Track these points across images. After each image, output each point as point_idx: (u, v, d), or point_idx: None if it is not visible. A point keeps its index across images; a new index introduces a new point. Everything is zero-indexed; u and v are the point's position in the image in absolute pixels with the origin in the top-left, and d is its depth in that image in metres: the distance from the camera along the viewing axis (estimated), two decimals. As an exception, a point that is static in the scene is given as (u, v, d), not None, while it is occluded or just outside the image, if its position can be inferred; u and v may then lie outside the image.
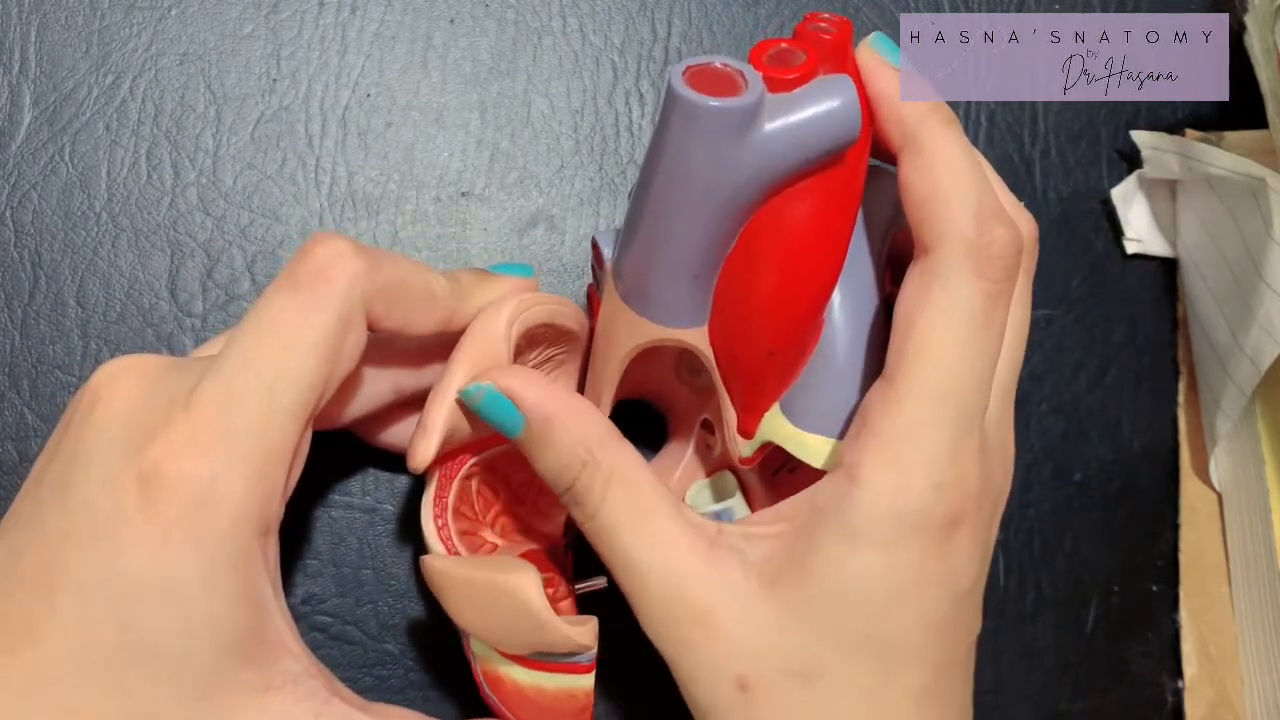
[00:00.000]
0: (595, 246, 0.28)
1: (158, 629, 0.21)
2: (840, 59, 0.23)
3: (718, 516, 0.30)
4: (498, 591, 0.24)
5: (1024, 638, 0.35)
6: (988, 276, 0.22)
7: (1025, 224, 0.24)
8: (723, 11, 0.36)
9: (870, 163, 0.25)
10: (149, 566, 0.21)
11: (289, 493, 0.23)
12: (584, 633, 0.25)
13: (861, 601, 0.22)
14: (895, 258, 0.29)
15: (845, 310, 0.25)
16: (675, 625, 0.23)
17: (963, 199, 0.22)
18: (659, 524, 0.23)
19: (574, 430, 0.24)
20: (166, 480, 0.21)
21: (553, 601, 0.28)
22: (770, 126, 0.22)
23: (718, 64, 0.22)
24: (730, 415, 0.27)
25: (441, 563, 0.25)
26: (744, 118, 0.21)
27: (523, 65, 0.35)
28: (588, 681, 0.26)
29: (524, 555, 0.28)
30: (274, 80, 0.34)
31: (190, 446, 0.21)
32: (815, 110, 0.22)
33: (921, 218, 0.22)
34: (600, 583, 0.30)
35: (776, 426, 0.26)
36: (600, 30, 0.35)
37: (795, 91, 0.22)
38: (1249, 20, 0.33)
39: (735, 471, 0.29)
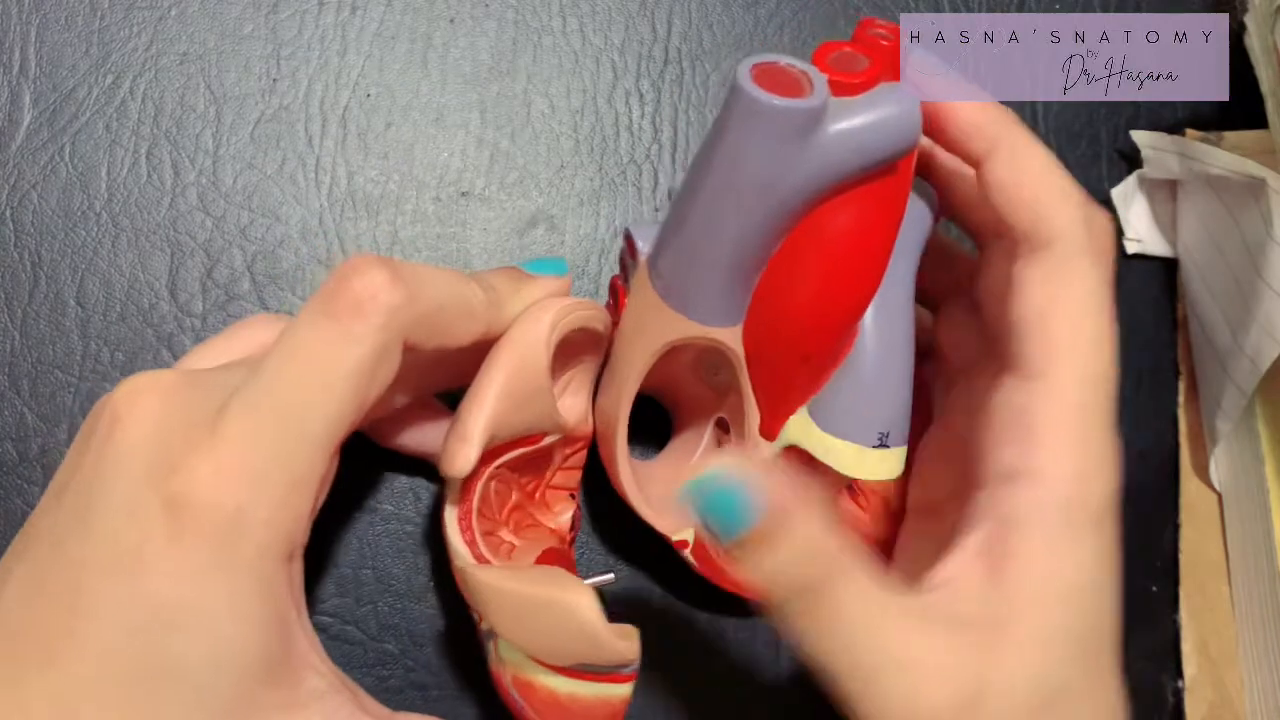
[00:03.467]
0: (629, 239, 0.27)
1: (183, 655, 0.20)
2: (895, 66, 0.23)
3: None
4: (554, 608, 0.24)
5: (1024, 638, 0.35)
6: (1104, 262, 0.23)
7: None
8: (723, 11, 0.36)
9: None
10: (175, 593, 0.20)
11: (314, 517, 0.23)
12: (632, 647, 0.25)
13: (1073, 602, 0.22)
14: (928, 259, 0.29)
15: (878, 319, 0.25)
16: (921, 711, 0.21)
17: (1067, 194, 0.23)
18: (894, 616, 0.22)
19: (810, 525, 0.22)
20: (193, 509, 0.21)
21: None
22: (833, 129, 0.22)
23: (784, 64, 0.22)
24: (754, 417, 0.27)
25: (488, 575, 0.25)
26: (809, 119, 0.21)
27: (523, 65, 0.35)
28: (626, 690, 0.26)
29: (545, 553, 0.28)
30: (274, 80, 0.34)
31: (216, 476, 0.21)
32: (878, 116, 0.22)
33: (1029, 214, 0.23)
34: (609, 578, 0.30)
35: (803, 431, 0.26)
36: (600, 30, 0.35)
37: (859, 96, 0.22)
38: (1249, 20, 0.33)
39: None
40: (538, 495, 0.30)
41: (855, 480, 0.31)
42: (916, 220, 0.26)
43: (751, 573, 0.22)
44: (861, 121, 0.22)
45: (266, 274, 0.32)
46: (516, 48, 0.35)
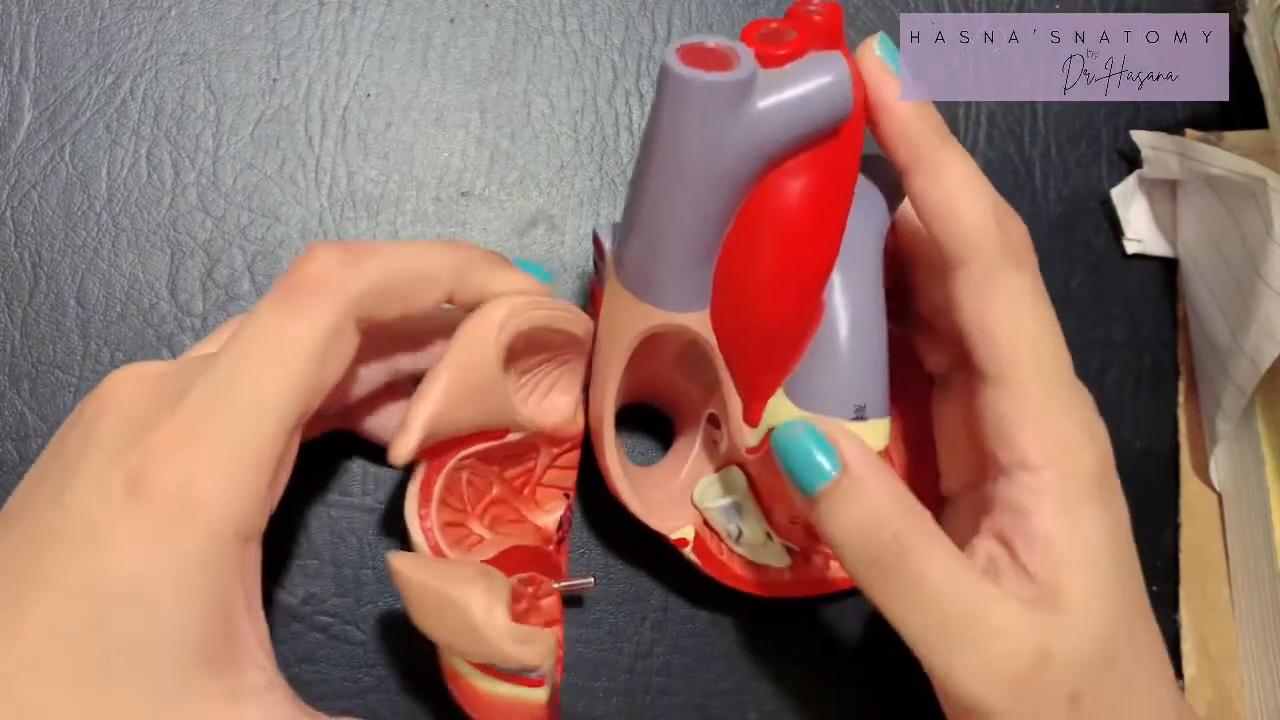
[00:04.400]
0: (596, 239, 0.28)
1: (129, 631, 0.21)
2: (830, 41, 0.23)
3: (725, 512, 0.30)
4: (451, 604, 0.24)
5: (1024, 638, 0.35)
6: (1024, 262, 0.25)
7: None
8: (723, 11, 0.36)
9: (867, 151, 0.25)
10: (127, 567, 0.21)
11: (274, 502, 0.24)
12: (530, 653, 0.25)
13: (1104, 560, 0.24)
14: (892, 253, 0.29)
15: (846, 293, 0.25)
16: (1017, 677, 0.23)
17: (983, 209, 0.24)
18: (975, 579, 0.23)
19: (893, 484, 0.24)
20: (148, 483, 0.21)
21: (533, 599, 0.29)
22: (763, 102, 0.22)
23: (710, 43, 0.22)
24: (735, 404, 0.27)
25: (401, 562, 0.25)
26: (737, 92, 0.22)
27: (523, 65, 0.35)
28: (540, 695, 0.26)
29: (510, 550, 0.28)
30: (274, 80, 0.34)
31: (173, 450, 0.21)
32: (808, 85, 0.22)
33: (950, 232, 0.24)
34: (588, 583, 0.30)
35: (781, 410, 0.26)
36: (600, 30, 0.35)
37: (787, 66, 0.22)
38: (1249, 20, 0.33)
39: (742, 466, 0.29)
40: (526, 491, 0.30)
41: None
42: (876, 197, 0.26)
43: (832, 526, 0.24)
44: (790, 89, 0.22)
45: (266, 274, 0.32)
46: (516, 48, 0.35)
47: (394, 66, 0.34)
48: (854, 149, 0.24)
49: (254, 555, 0.23)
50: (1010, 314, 0.24)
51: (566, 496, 0.31)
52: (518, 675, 0.25)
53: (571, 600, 0.32)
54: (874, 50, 0.24)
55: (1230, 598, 0.35)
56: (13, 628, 0.21)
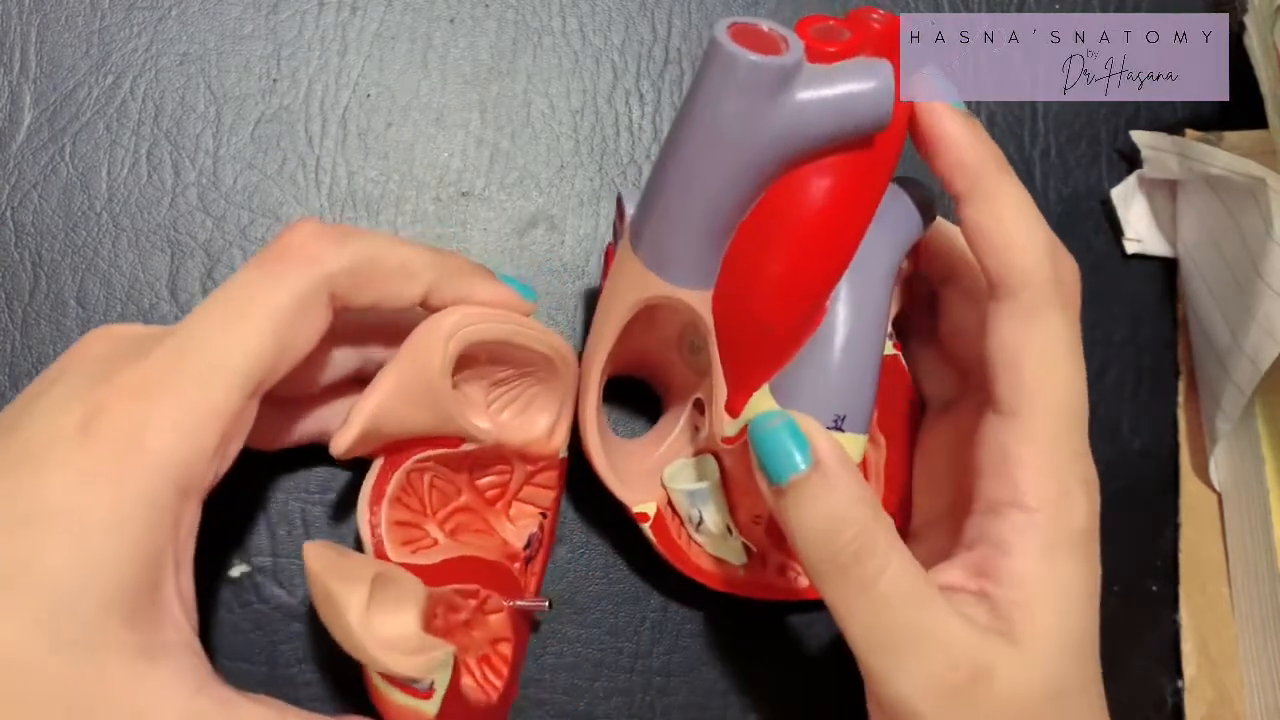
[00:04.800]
0: (620, 203, 0.28)
1: (50, 559, 0.20)
2: (885, 50, 0.23)
3: (690, 496, 0.30)
4: (332, 600, 0.24)
5: (1024, 638, 0.35)
6: (1071, 305, 0.25)
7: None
8: (723, 12, 0.36)
9: (901, 178, 0.26)
10: (62, 496, 0.21)
11: (224, 467, 0.24)
12: (402, 663, 0.24)
13: (1070, 609, 0.24)
14: (912, 279, 0.29)
15: (849, 304, 0.25)
16: (953, 689, 0.23)
17: (1038, 243, 0.24)
18: (932, 593, 0.23)
19: (859, 485, 0.24)
20: (104, 419, 0.21)
21: (477, 612, 0.28)
22: (804, 93, 0.22)
23: (764, 26, 0.22)
24: (720, 391, 0.27)
25: (312, 551, 0.25)
26: (780, 76, 0.22)
27: (523, 65, 0.35)
28: (427, 708, 0.26)
29: (462, 559, 0.28)
30: (274, 80, 0.34)
31: (132, 392, 0.22)
32: (850, 86, 0.22)
33: (1001, 262, 0.24)
34: (541, 605, 0.29)
35: (763, 406, 0.26)
36: (600, 30, 0.35)
37: (834, 65, 0.22)
38: (1249, 20, 0.33)
39: (717, 456, 0.29)
40: (500, 505, 0.30)
41: None
42: (903, 217, 0.26)
43: (795, 519, 0.24)
44: (832, 88, 0.22)
45: (266, 274, 0.32)
46: (516, 48, 0.35)
47: (394, 66, 0.34)
48: (886, 162, 0.24)
49: (192, 513, 0.23)
50: (1045, 352, 0.24)
51: (543, 516, 0.30)
52: (404, 684, 0.25)
53: (532, 624, 0.31)
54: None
55: (1230, 598, 0.35)
56: None
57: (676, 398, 0.31)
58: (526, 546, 0.30)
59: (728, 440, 0.27)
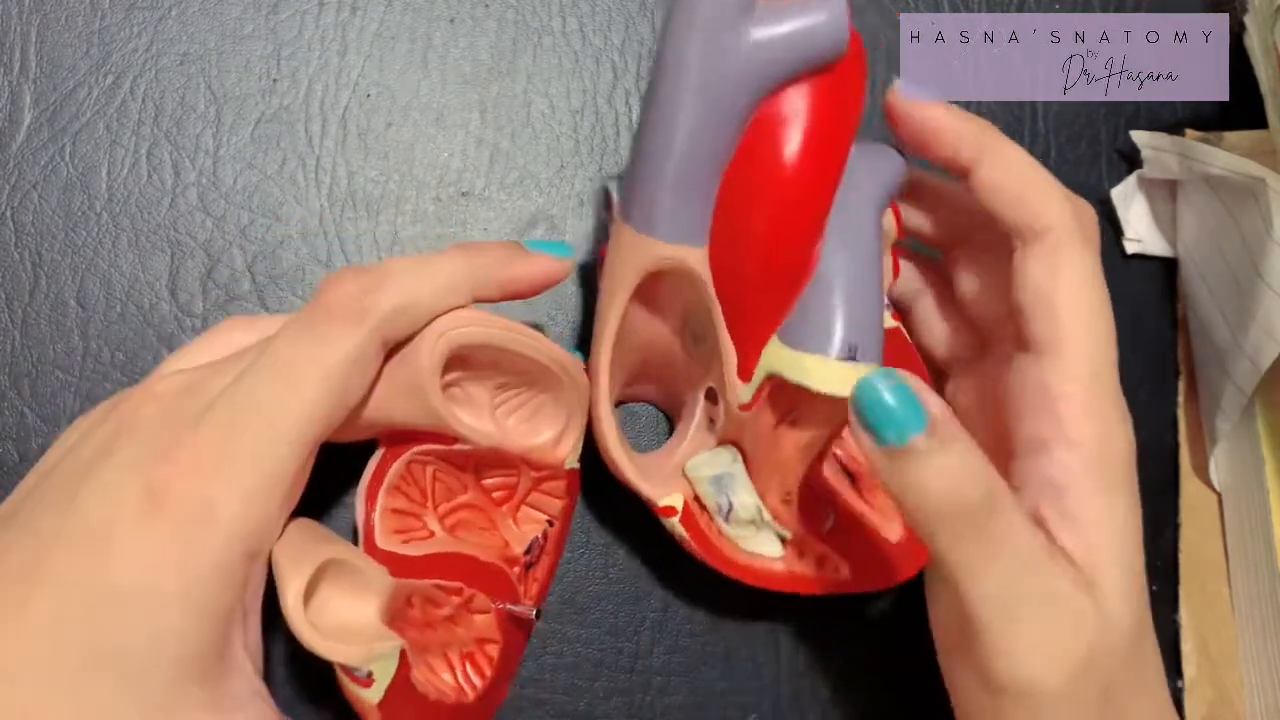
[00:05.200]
0: (607, 194, 0.28)
1: (126, 637, 0.21)
2: None
3: (717, 482, 0.29)
4: (276, 574, 0.24)
5: (1024, 638, 0.35)
6: (1093, 245, 0.26)
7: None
8: (723, 11, 0.36)
9: (872, 141, 0.27)
10: (131, 576, 0.21)
11: (285, 519, 0.24)
12: (342, 651, 0.24)
13: (1130, 544, 0.24)
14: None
15: (843, 241, 0.26)
16: (1078, 662, 0.22)
17: (1053, 188, 0.26)
18: (1057, 557, 0.23)
19: (976, 448, 0.23)
20: (167, 496, 0.22)
21: (461, 609, 0.28)
22: (762, 25, 0.24)
23: None
24: (730, 356, 0.27)
25: (292, 525, 0.25)
26: (737, 9, 0.24)
27: (523, 65, 0.35)
28: (368, 695, 0.26)
29: (454, 555, 0.28)
30: (274, 80, 0.34)
31: (194, 468, 0.22)
32: (805, 13, 0.24)
33: (1023, 210, 0.25)
34: (528, 611, 0.29)
35: (774, 355, 0.26)
36: (600, 30, 0.35)
37: (789, 1, 0.24)
38: (1249, 20, 0.33)
39: (736, 443, 0.29)
40: (506, 507, 0.30)
41: (860, 477, 0.31)
42: (880, 168, 0.27)
43: (917, 478, 0.22)
44: (787, 15, 0.24)
45: (267, 274, 0.32)
46: (516, 48, 0.35)
47: (394, 66, 0.34)
48: (851, 89, 0.25)
49: (259, 572, 0.24)
50: (1077, 287, 0.25)
51: (550, 524, 0.30)
52: (347, 670, 0.25)
53: (528, 630, 0.31)
54: (898, 88, 0.26)
55: (1230, 598, 0.35)
56: (11, 624, 0.21)
57: (686, 399, 0.31)
58: (527, 552, 0.30)
59: (744, 407, 0.27)
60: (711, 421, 0.30)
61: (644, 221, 0.26)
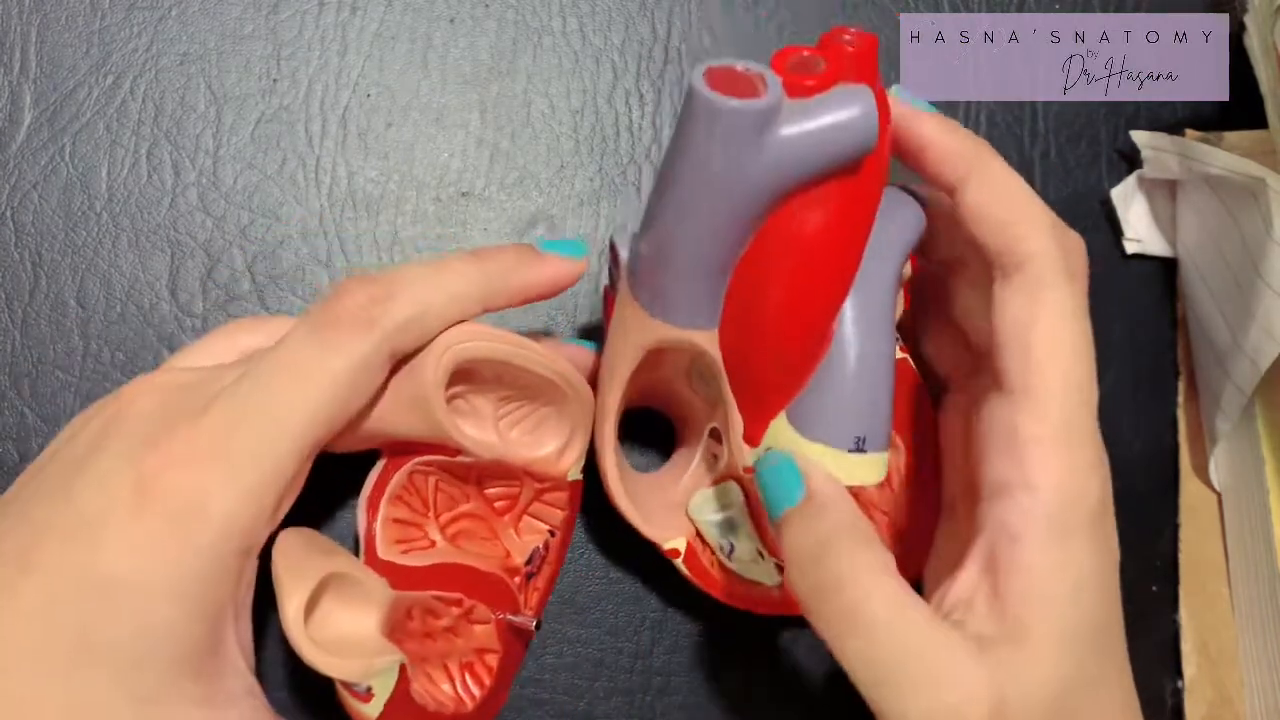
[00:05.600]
0: (613, 248, 0.28)
1: (117, 629, 0.21)
2: (863, 71, 0.23)
3: (719, 527, 0.30)
4: (280, 592, 0.24)
5: (1024, 638, 0.35)
6: (1079, 281, 0.24)
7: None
8: (722, 12, 0.36)
9: (890, 186, 0.25)
10: (124, 566, 0.21)
11: (278, 520, 0.24)
12: (341, 667, 0.24)
13: (1084, 599, 0.23)
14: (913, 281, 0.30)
15: (857, 324, 0.25)
16: (944, 710, 0.22)
17: (1040, 216, 0.24)
18: (924, 619, 0.23)
19: (852, 515, 0.24)
20: (161, 487, 0.21)
21: (461, 619, 0.28)
22: (787, 130, 0.22)
23: (739, 67, 0.22)
24: (736, 422, 0.27)
25: (282, 537, 0.25)
26: (762, 119, 0.22)
27: (523, 65, 0.35)
28: (367, 711, 0.26)
29: (455, 565, 0.28)
30: (274, 80, 0.34)
31: (189, 459, 0.22)
32: (833, 117, 0.22)
33: (1006, 237, 0.24)
34: (528, 622, 0.29)
35: (782, 435, 0.26)
36: (600, 30, 0.35)
37: (814, 98, 0.22)
38: (1249, 20, 0.33)
39: (740, 482, 0.29)
40: (508, 517, 0.30)
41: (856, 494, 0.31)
42: (899, 227, 0.26)
43: (787, 547, 0.24)
44: (814, 120, 0.22)
45: (267, 274, 0.32)
46: (516, 48, 0.35)
47: (394, 66, 0.34)
48: (874, 184, 0.24)
49: (251, 569, 0.23)
50: (1056, 326, 0.24)
51: (551, 534, 0.30)
52: (346, 685, 0.25)
53: (524, 637, 0.31)
54: (894, 94, 0.25)
55: (1230, 598, 0.35)
56: (6, 612, 0.21)
57: (690, 427, 0.31)
58: (528, 562, 0.30)
59: (750, 470, 0.27)
60: (715, 458, 0.30)
61: (653, 305, 0.25)
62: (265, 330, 0.26)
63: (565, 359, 0.28)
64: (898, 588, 0.23)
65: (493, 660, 0.29)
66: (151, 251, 0.32)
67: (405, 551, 0.28)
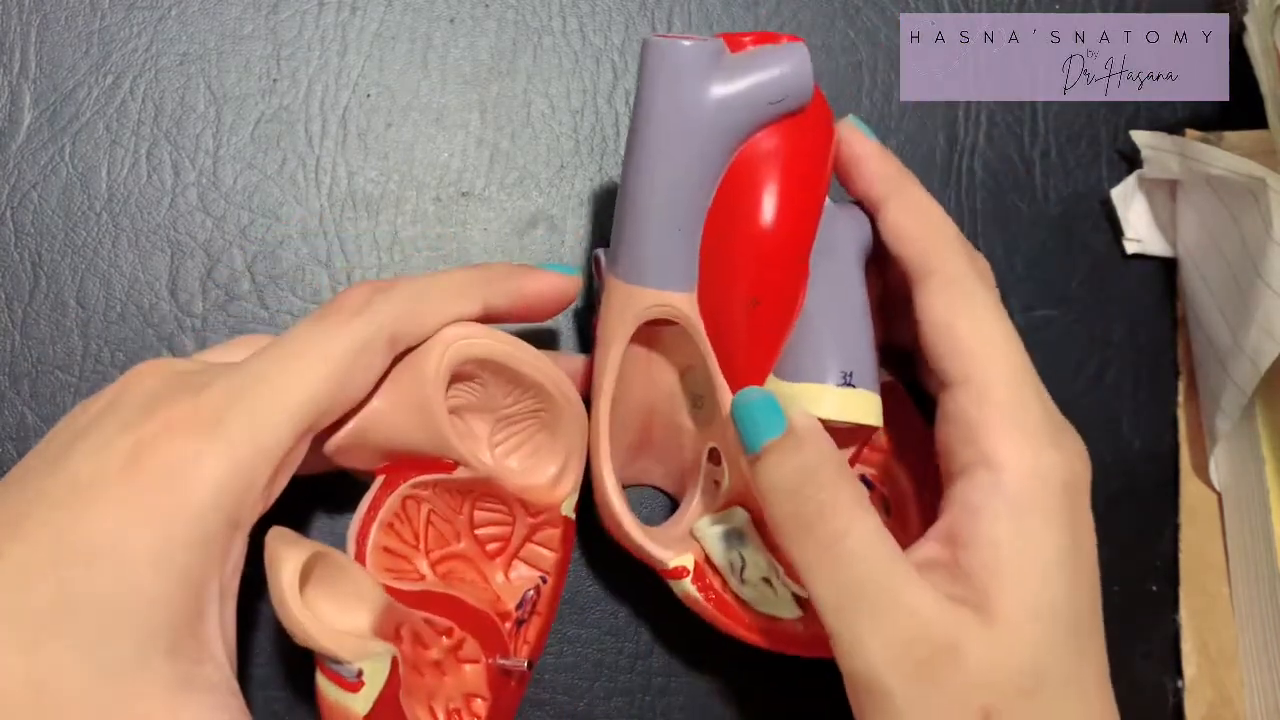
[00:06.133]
0: (597, 261, 0.29)
1: (91, 595, 0.20)
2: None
3: (726, 539, 0.29)
4: (270, 561, 0.23)
5: (1024, 638, 0.35)
6: (991, 287, 0.26)
7: None
8: (723, 11, 0.36)
9: (844, 203, 0.28)
10: (108, 529, 0.21)
11: (270, 501, 0.24)
12: (336, 639, 0.23)
13: (1054, 576, 0.23)
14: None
15: (827, 279, 0.27)
16: (919, 663, 0.22)
17: (953, 232, 0.27)
18: (897, 554, 0.23)
19: (833, 448, 0.24)
20: (154, 451, 0.21)
21: (451, 654, 0.27)
22: (731, 72, 0.25)
23: (688, 36, 0.25)
24: (727, 401, 0.27)
25: (273, 536, 0.24)
26: (705, 57, 0.25)
27: (523, 65, 0.35)
28: (356, 705, 0.24)
29: (447, 597, 0.27)
30: (274, 80, 0.34)
31: (185, 425, 0.22)
32: (769, 56, 0.25)
33: (921, 249, 0.26)
34: (520, 665, 0.28)
35: (774, 392, 0.26)
36: (600, 30, 0.35)
37: (751, 49, 0.25)
38: (1249, 20, 0.33)
39: (743, 503, 0.29)
40: (499, 559, 0.29)
41: (893, 504, 0.30)
42: (853, 218, 0.28)
43: (766, 478, 0.24)
44: (754, 59, 0.25)
45: (267, 274, 0.32)
46: (516, 48, 0.35)
47: (394, 66, 0.34)
48: (820, 132, 0.26)
49: (239, 547, 0.23)
50: (977, 318, 0.25)
51: (543, 579, 0.30)
52: (335, 671, 0.24)
53: (517, 683, 0.30)
54: (848, 120, 0.28)
55: (1230, 598, 0.35)
56: None
57: (690, 478, 0.31)
58: (519, 607, 0.29)
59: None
60: (716, 484, 0.30)
61: (631, 271, 0.27)
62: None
63: (560, 369, 0.28)
64: (876, 523, 0.23)
65: (481, 708, 0.28)
66: (151, 251, 0.32)
67: (396, 579, 0.27)
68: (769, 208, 0.26)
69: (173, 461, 0.21)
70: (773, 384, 0.27)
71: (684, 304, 0.27)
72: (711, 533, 0.29)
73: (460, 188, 0.34)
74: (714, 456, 0.30)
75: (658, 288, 0.26)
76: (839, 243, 0.27)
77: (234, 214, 0.33)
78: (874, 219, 0.28)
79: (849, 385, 0.26)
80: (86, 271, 0.32)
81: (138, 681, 0.21)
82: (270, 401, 0.23)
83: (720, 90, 0.25)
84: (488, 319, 0.27)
